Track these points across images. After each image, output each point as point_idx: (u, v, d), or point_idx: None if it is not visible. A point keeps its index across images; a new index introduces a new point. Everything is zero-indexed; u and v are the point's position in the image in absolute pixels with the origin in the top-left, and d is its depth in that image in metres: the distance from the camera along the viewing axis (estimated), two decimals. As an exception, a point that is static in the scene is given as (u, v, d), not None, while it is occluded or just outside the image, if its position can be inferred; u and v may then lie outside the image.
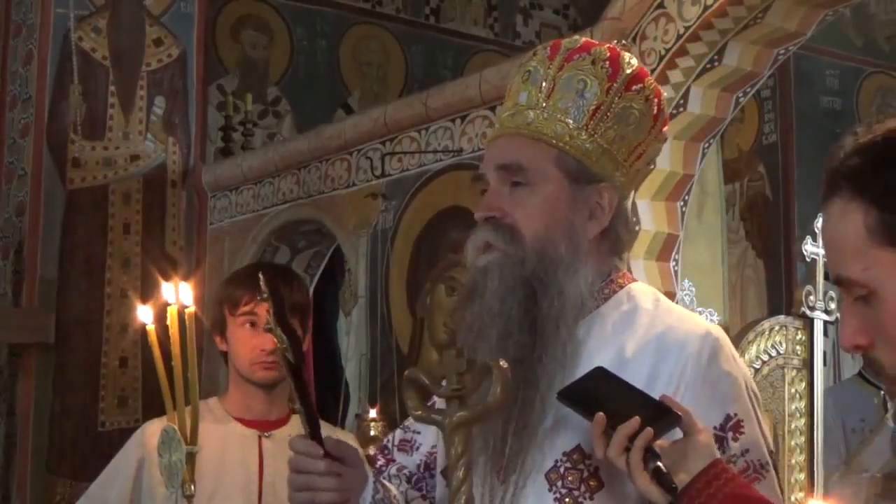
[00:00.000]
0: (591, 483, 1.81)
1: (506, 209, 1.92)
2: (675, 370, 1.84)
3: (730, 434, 1.83)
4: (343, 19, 7.87)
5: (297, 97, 7.59)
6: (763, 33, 4.05)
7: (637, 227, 4.21)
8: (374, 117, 5.28)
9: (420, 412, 1.67)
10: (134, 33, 6.18)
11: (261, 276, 1.99)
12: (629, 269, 4.08)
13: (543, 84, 1.95)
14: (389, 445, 2.14)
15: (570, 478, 1.82)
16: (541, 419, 1.82)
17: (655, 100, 1.97)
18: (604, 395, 1.73)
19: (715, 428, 1.81)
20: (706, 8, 3.94)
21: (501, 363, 1.62)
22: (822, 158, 7.05)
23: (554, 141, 1.92)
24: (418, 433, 2.08)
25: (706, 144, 4.33)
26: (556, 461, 1.83)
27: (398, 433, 2.14)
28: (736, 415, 1.83)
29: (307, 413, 1.88)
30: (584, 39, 2.00)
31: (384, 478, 2.05)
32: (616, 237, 1.96)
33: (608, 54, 1.95)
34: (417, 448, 2.07)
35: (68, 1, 6.00)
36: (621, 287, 1.96)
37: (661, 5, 4.06)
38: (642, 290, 1.98)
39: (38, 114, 5.99)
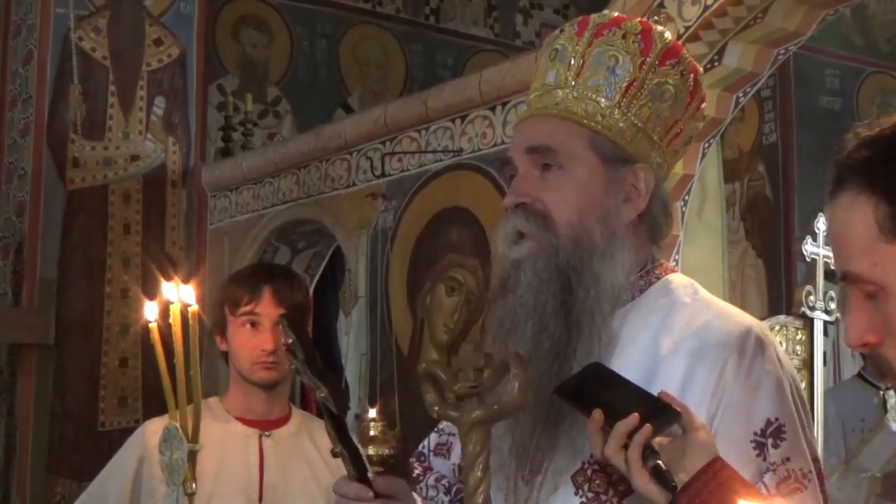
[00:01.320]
0: (620, 488, 1.71)
1: (536, 194, 1.81)
2: (712, 371, 1.73)
3: (770, 440, 1.72)
4: (343, 19, 7.87)
5: (297, 97, 7.59)
6: (763, 33, 4.05)
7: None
8: (374, 117, 5.28)
9: (437, 408, 1.59)
10: (134, 33, 6.18)
11: (284, 321, 1.83)
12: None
13: (572, 62, 1.84)
14: (426, 451, 2.05)
15: (597, 481, 1.73)
16: (574, 416, 1.71)
17: (691, 75, 1.86)
18: (601, 391, 1.66)
19: (755, 433, 1.72)
20: (706, 8, 3.94)
21: (520, 360, 1.53)
22: (821, 158, 7.07)
23: (585, 121, 1.81)
24: (452, 435, 1.98)
25: (706, 144, 4.33)
26: (584, 463, 1.74)
27: (433, 437, 2.05)
28: (777, 419, 1.73)
29: (352, 456, 1.79)
30: (614, 14, 1.89)
31: (421, 488, 1.99)
32: (653, 221, 1.85)
33: (640, 28, 1.84)
34: (452, 450, 1.99)
35: (68, 1, 5.99)
36: (658, 279, 1.86)
37: (661, 5, 4.06)
38: (681, 283, 1.87)
39: (38, 114, 5.98)
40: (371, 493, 1.77)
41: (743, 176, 7.02)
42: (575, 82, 1.84)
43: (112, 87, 6.09)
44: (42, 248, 5.90)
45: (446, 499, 1.98)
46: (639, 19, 1.88)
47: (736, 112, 4.38)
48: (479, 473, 1.56)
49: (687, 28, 4.00)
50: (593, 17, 1.89)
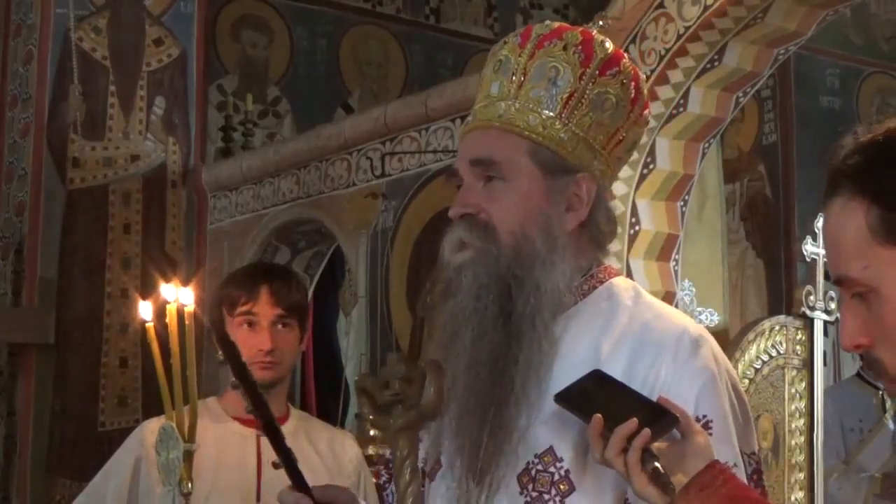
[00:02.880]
0: (562, 486, 1.77)
1: (480, 205, 1.86)
2: (650, 370, 1.79)
3: None
4: (343, 19, 7.86)
5: (297, 97, 7.59)
6: (763, 33, 4.05)
7: (637, 227, 4.21)
8: (374, 117, 5.28)
9: (372, 417, 1.69)
10: (134, 33, 6.18)
11: (217, 342, 1.92)
12: (628, 267, 4.08)
13: (514, 74, 1.89)
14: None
15: (540, 480, 1.78)
16: (516, 419, 1.78)
17: (632, 83, 1.90)
18: (601, 396, 1.71)
19: None
20: (706, 8, 3.95)
21: (435, 367, 1.62)
22: (822, 158, 7.06)
23: (526, 133, 1.86)
24: (419, 441, 2.00)
25: (706, 144, 4.33)
26: (528, 463, 1.79)
27: None
28: (705, 416, 1.77)
29: (288, 466, 1.87)
30: (556, 24, 1.93)
31: (387, 494, 2.03)
32: (596, 229, 1.90)
33: (581, 38, 1.88)
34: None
35: (68, 1, 5.99)
36: (601, 283, 1.90)
37: (661, 5, 4.06)
38: (622, 286, 1.92)
39: (38, 114, 5.99)
40: (311, 503, 1.86)
41: (743, 176, 7.02)
42: (517, 94, 1.88)
43: (112, 87, 6.09)
44: (42, 248, 5.90)
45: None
46: (580, 29, 1.91)
47: (736, 112, 4.39)
48: (407, 476, 1.67)
49: (687, 28, 4.00)
50: (536, 27, 1.93)
